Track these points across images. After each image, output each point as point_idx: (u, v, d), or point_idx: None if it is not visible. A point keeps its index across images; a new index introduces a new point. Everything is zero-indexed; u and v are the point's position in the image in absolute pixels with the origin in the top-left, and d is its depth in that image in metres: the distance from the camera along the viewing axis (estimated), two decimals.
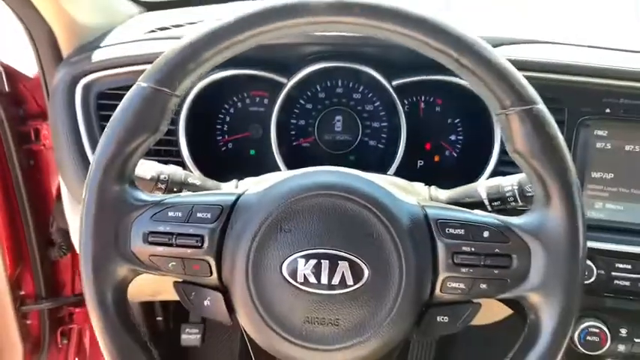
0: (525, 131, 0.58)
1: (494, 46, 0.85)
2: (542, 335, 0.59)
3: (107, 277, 0.61)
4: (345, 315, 0.59)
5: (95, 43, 1.02)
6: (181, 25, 1.07)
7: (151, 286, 1.20)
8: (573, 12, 1.25)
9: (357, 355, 0.60)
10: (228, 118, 1.07)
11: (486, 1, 1.34)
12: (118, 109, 0.60)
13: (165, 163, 0.78)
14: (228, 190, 0.76)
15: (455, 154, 1.06)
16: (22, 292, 1.32)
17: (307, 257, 0.59)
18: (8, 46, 1.24)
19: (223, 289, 0.63)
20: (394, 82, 0.96)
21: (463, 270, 0.60)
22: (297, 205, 0.61)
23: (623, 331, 0.91)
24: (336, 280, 0.59)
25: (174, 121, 0.95)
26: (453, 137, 1.06)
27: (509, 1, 1.34)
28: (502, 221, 0.62)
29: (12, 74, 1.18)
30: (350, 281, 0.59)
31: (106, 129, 0.60)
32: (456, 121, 1.05)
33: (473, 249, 0.60)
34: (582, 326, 0.90)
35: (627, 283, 0.89)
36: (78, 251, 1.15)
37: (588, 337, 0.90)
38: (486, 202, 0.74)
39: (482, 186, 0.75)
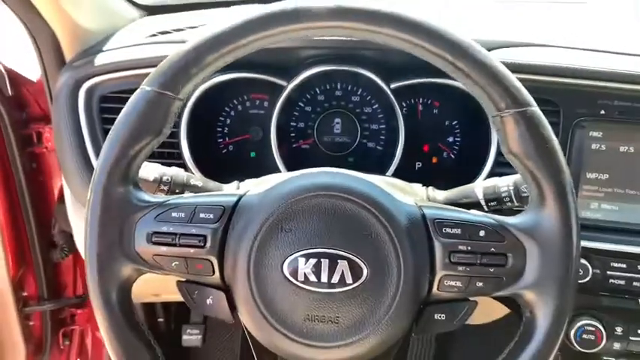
0: (520, 133, 0.60)
1: (490, 49, 0.88)
2: (537, 331, 0.61)
3: (112, 277, 0.62)
4: (345, 313, 0.61)
5: (97, 47, 1.03)
6: (182, 29, 1.08)
7: (153, 287, 1.21)
8: (573, 13, 1.26)
9: (356, 352, 0.62)
10: (228, 121, 1.09)
11: (485, 3, 1.35)
12: (123, 112, 0.62)
13: (168, 165, 0.79)
14: (230, 191, 0.77)
15: (452, 156, 1.08)
16: (25, 294, 1.34)
17: (307, 256, 0.60)
18: (11, 51, 1.25)
19: (225, 288, 0.64)
20: (392, 85, 0.98)
21: (460, 268, 0.62)
22: (297, 205, 0.62)
23: (619, 330, 0.92)
24: (335, 279, 0.60)
25: (176, 124, 0.97)
26: (450, 139, 1.07)
27: (508, 2, 1.36)
28: (498, 221, 0.63)
29: (15, 78, 1.20)
30: (349, 280, 0.60)
31: (110, 132, 0.62)
32: (454, 123, 1.07)
33: (469, 248, 0.62)
34: (578, 324, 0.92)
35: (622, 282, 0.91)
36: (82, 252, 1.17)
37: (584, 336, 0.91)
38: (483, 203, 0.75)
39: (479, 187, 0.76)
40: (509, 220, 0.63)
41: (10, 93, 1.18)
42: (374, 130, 1.07)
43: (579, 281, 0.89)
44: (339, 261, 0.60)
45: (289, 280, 0.61)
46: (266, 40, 0.60)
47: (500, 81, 0.60)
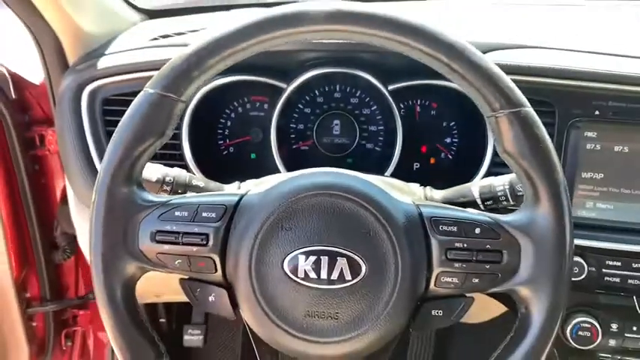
0: (514, 133, 0.61)
1: (485, 51, 0.89)
2: (532, 327, 0.62)
3: (116, 275, 0.63)
4: (344, 309, 0.62)
5: (100, 50, 1.05)
6: (183, 33, 1.09)
7: (155, 288, 1.22)
8: (572, 14, 1.28)
9: (355, 348, 0.63)
10: (229, 123, 1.10)
11: (482, 5, 1.36)
12: (126, 114, 0.63)
13: (170, 166, 0.80)
14: (231, 191, 0.78)
15: (450, 157, 1.09)
16: (28, 295, 1.35)
17: (307, 254, 0.62)
18: (14, 54, 1.27)
19: (227, 286, 0.65)
20: (390, 87, 0.99)
21: (456, 265, 0.63)
22: (297, 204, 0.63)
23: (614, 327, 0.94)
24: (335, 276, 0.62)
25: (178, 126, 0.98)
26: (448, 140, 1.09)
27: (506, 4, 1.37)
28: (493, 218, 0.64)
29: (18, 81, 1.21)
30: (348, 276, 0.62)
31: (114, 133, 0.63)
32: (451, 124, 1.08)
33: (465, 245, 0.63)
34: (574, 322, 0.93)
35: (617, 280, 0.92)
36: (86, 251, 1.18)
37: (580, 332, 0.93)
38: (479, 202, 0.77)
39: (475, 186, 0.78)
40: (505, 217, 0.64)
41: (13, 96, 1.19)
42: (372, 131, 1.08)
43: (575, 279, 0.91)
44: (338, 258, 0.62)
45: (290, 277, 0.62)
46: (266, 44, 0.61)
47: (494, 82, 0.61)
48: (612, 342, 0.94)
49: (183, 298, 0.69)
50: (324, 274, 0.62)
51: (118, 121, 0.64)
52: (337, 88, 1.07)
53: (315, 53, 0.99)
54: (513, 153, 0.62)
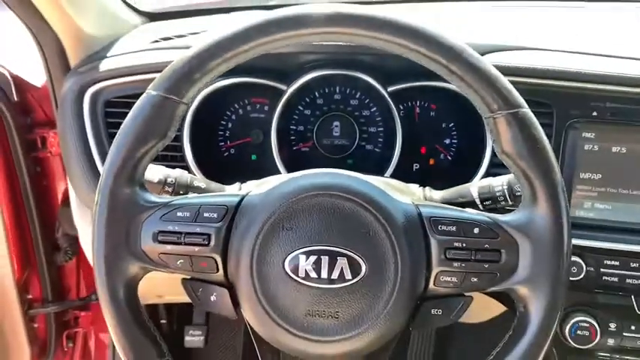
0: (512, 134, 0.62)
1: (483, 53, 0.90)
2: (530, 325, 0.63)
3: (119, 275, 0.64)
4: (344, 308, 0.63)
5: (101, 53, 1.06)
6: (184, 36, 1.10)
7: (157, 289, 1.23)
8: (571, 16, 1.29)
9: (355, 346, 0.64)
10: (230, 125, 1.11)
11: (482, 7, 1.37)
12: (129, 116, 0.64)
13: (171, 167, 0.81)
14: (233, 191, 0.79)
15: (449, 157, 1.10)
16: (30, 296, 1.36)
17: (308, 253, 0.62)
18: (15, 57, 1.27)
19: (229, 285, 0.66)
20: (389, 89, 1.00)
21: (455, 264, 0.64)
22: (298, 204, 0.64)
23: (613, 326, 0.94)
24: (335, 275, 0.62)
25: (179, 128, 0.99)
26: (447, 141, 1.09)
27: (506, 6, 1.38)
28: (491, 218, 0.65)
29: (20, 84, 1.22)
30: (348, 276, 0.62)
31: (117, 135, 0.64)
32: (450, 125, 1.09)
33: (464, 244, 0.64)
34: (573, 321, 0.93)
35: (615, 279, 0.93)
36: (88, 252, 1.19)
37: (579, 332, 0.93)
38: (478, 202, 0.77)
39: (474, 186, 0.78)
40: (503, 217, 0.65)
41: (15, 99, 1.20)
42: (372, 132, 1.09)
43: (574, 279, 0.92)
44: (338, 258, 0.62)
45: (290, 277, 0.63)
46: (267, 46, 0.62)
47: (492, 83, 0.62)
48: (611, 341, 0.94)
49: (185, 299, 0.70)
50: (324, 274, 0.62)
51: (119, 123, 0.65)
52: (337, 90, 1.08)
53: (315, 55, 1.00)
54: (511, 153, 0.63)
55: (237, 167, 1.11)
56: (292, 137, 1.09)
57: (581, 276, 0.92)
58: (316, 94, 1.08)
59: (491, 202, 0.77)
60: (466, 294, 0.66)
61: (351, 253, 0.63)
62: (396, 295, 0.63)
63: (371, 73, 0.99)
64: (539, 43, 1.00)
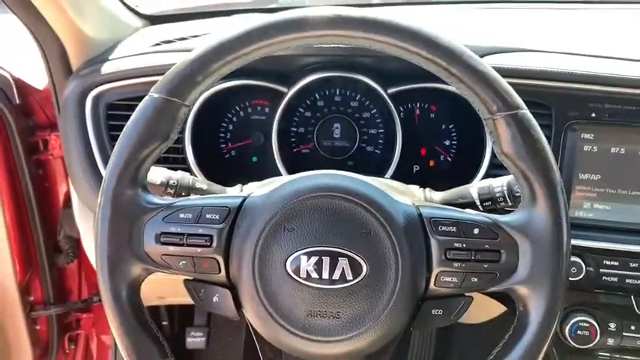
0: (511, 135, 0.62)
1: (482, 55, 0.91)
2: (530, 324, 0.63)
3: (122, 276, 0.64)
4: (346, 308, 0.63)
5: (103, 56, 1.06)
6: (185, 38, 1.11)
7: (159, 290, 1.24)
8: (572, 17, 1.30)
9: (356, 346, 0.64)
10: (231, 127, 1.11)
11: (481, 9, 1.38)
12: (132, 118, 0.64)
13: (173, 169, 0.82)
14: (234, 193, 0.79)
15: (449, 159, 1.10)
16: (32, 298, 1.36)
17: (309, 254, 0.63)
18: (17, 59, 1.28)
19: (231, 286, 0.66)
20: (389, 91, 1.00)
21: (455, 265, 0.64)
22: (299, 206, 0.64)
23: (612, 326, 0.94)
24: (336, 276, 0.63)
25: (181, 130, 0.99)
26: (447, 142, 1.10)
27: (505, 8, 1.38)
28: (491, 219, 0.65)
29: (22, 87, 1.22)
30: (349, 276, 0.63)
31: (120, 137, 0.64)
32: (450, 126, 1.09)
33: (464, 245, 0.64)
34: (573, 321, 0.94)
35: (615, 280, 0.93)
36: (90, 254, 1.19)
37: (579, 332, 0.94)
38: (478, 203, 0.78)
39: (474, 187, 0.79)
40: (503, 218, 0.65)
41: (17, 101, 1.21)
42: (372, 134, 1.09)
43: (573, 279, 0.92)
44: (339, 258, 0.63)
45: (292, 277, 0.63)
46: (268, 49, 0.63)
47: (491, 85, 0.62)
48: (610, 341, 0.94)
49: (186, 300, 0.70)
50: (325, 274, 0.63)
51: (121, 126, 0.65)
52: (337, 92, 1.09)
53: (315, 58, 1.01)
54: (511, 154, 0.63)
55: (239, 169, 1.11)
56: (293, 139, 1.10)
57: (581, 276, 0.93)
58: (317, 96, 1.08)
59: (491, 202, 0.78)
60: (466, 294, 0.67)
61: (352, 254, 0.63)
62: (397, 295, 0.63)
63: (371, 75, 1.00)
64: (537, 44, 1.01)
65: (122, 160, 0.63)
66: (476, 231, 0.64)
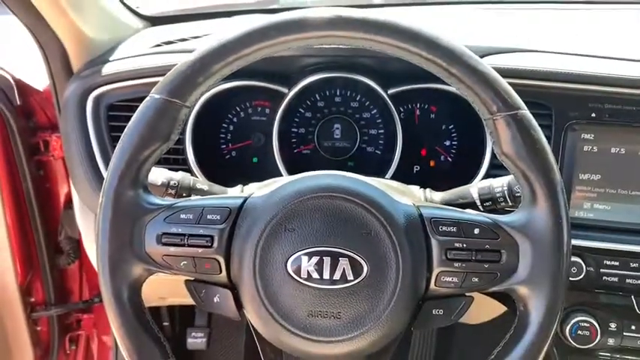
0: (511, 135, 0.63)
1: (482, 55, 0.91)
2: (531, 324, 0.63)
3: (123, 277, 0.65)
4: (346, 308, 0.63)
5: (104, 57, 1.06)
6: (186, 39, 1.11)
7: (160, 291, 1.24)
8: (572, 18, 1.30)
9: (357, 347, 0.64)
10: (231, 127, 1.11)
11: (481, 10, 1.38)
12: (133, 119, 0.64)
13: (174, 170, 0.82)
14: (235, 193, 0.80)
15: (449, 159, 1.10)
16: (33, 299, 1.36)
17: (310, 255, 0.63)
18: (18, 61, 1.28)
19: (232, 287, 0.67)
20: (390, 91, 1.01)
21: (456, 265, 0.64)
22: (300, 206, 0.64)
23: (613, 326, 0.95)
24: (337, 276, 0.63)
25: (182, 130, 0.99)
26: (447, 143, 1.10)
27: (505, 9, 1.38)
28: (492, 219, 0.66)
29: (23, 88, 1.23)
30: (350, 277, 0.63)
31: (121, 138, 0.64)
32: (450, 127, 1.09)
33: (465, 245, 0.64)
34: (573, 321, 0.94)
35: (615, 279, 0.93)
36: (91, 255, 1.19)
37: (579, 332, 0.94)
38: (478, 203, 0.78)
39: (474, 187, 0.79)
40: (503, 218, 0.66)
41: (18, 102, 1.21)
42: (373, 134, 1.10)
43: (574, 279, 0.92)
44: (340, 259, 0.63)
45: (293, 278, 0.63)
46: (269, 49, 0.63)
47: (491, 85, 0.62)
48: (611, 341, 0.94)
49: (187, 301, 0.70)
50: (326, 275, 0.63)
51: (122, 127, 0.65)
52: (338, 93, 1.09)
53: (315, 58, 1.01)
54: (511, 155, 0.63)
55: (239, 169, 1.11)
56: (293, 140, 1.10)
57: (581, 276, 0.93)
58: (317, 96, 1.09)
59: (491, 203, 0.78)
60: (467, 294, 0.67)
61: (353, 254, 0.63)
62: (398, 295, 0.63)
63: (371, 75, 1.00)
64: (537, 45, 1.01)
65: (123, 161, 0.64)
66: (476, 231, 0.65)
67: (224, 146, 1.12)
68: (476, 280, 0.65)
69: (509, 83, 0.64)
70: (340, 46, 0.95)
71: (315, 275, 0.63)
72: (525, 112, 0.63)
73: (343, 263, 0.63)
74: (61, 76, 1.07)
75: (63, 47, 1.04)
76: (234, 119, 1.11)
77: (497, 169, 0.96)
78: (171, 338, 1.62)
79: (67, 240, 1.37)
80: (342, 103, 1.09)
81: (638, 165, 0.93)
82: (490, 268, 0.64)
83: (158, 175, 0.79)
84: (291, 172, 1.00)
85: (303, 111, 1.09)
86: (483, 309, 1.11)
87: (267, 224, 0.64)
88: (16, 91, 1.21)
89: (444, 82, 0.65)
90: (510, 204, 0.77)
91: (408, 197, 0.71)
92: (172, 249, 0.65)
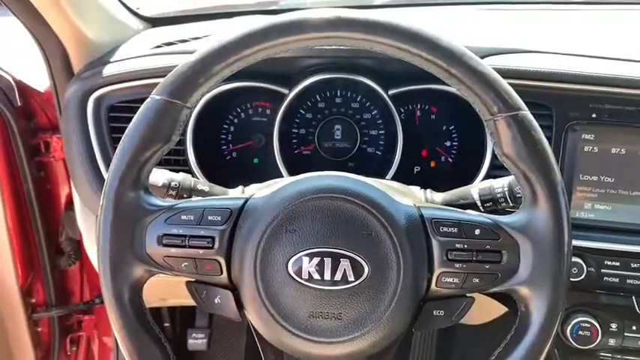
0: (512, 135, 0.63)
1: (483, 56, 0.91)
2: (532, 325, 0.63)
3: (124, 278, 0.65)
4: (347, 309, 0.63)
5: (105, 58, 1.07)
6: (186, 40, 1.11)
7: (160, 292, 1.24)
8: (573, 18, 1.30)
9: (358, 348, 0.64)
10: (232, 128, 1.11)
11: (481, 11, 1.38)
12: (134, 120, 0.64)
13: (175, 171, 0.82)
14: (236, 194, 0.80)
15: (450, 160, 1.10)
16: (33, 300, 1.36)
17: (311, 255, 0.63)
18: (18, 62, 1.28)
19: (233, 288, 0.67)
20: (390, 92, 1.01)
21: (457, 265, 0.64)
22: (301, 207, 0.64)
23: (614, 326, 0.94)
24: (338, 277, 0.63)
25: (182, 131, 0.99)
26: (448, 143, 1.10)
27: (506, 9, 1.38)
28: (492, 220, 0.66)
29: (23, 89, 1.23)
30: (351, 277, 0.63)
31: (122, 139, 0.64)
32: (451, 127, 1.09)
33: (465, 246, 0.64)
34: (574, 321, 0.94)
35: (616, 280, 0.93)
36: (92, 256, 1.19)
37: (580, 332, 0.94)
38: (479, 204, 0.78)
39: (475, 188, 0.79)
40: (504, 219, 0.66)
41: (18, 103, 1.21)
42: (373, 135, 1.10)
43: (575, 279, 0.92)
44: (341, 260, 0.63)
45: (294, 279, 0.63)
46: (270, 51, 0.63)
47: (492, 86, 0.62)
48: (612, 341, 0.94)
49: (188, 302, 0.70)
50: (327, 276, 0.63)
51: (123, 128, 0.65)
52: (338, 94, 1.09)
53: (316, 59, 1.01)
54: (511, 155, 0.63)
55: (240, 170, 1.11)
56: (294, 140, 1.10)
57: (582, 277, 0.93)
58: (318, 97, 1.09)
59: (492, 203, 0.78)
60: (468, 295, 0.67)
61: (354, 255, 0.63)
62: (399, 296, 0.63)
63: (372, 76, 1.00)
64: (538, 45, 1.01)
65: (124, 162, 0.64)
66: (477, 232, 0.65)
67: (225, 147, 1.12)
68: (477, 280, 0.65)
69: (510, 84, 0.64)
70: (341, 47, 0.95)
71: (316, 276, 0.63)
72: (526, 112, 0.63)
73: (344, 264, 0.63)
74: (62, 77, 1.07)
75: (63, 48, 1.04)
76: (235, 120, 1.11)
77: (497, 169, 0.96)
78: (172, 339, 1.62)
79: (67, 241, 1.38)
80: (342, 104, 1.09)
81: (638, 165, 0.93)
82: (491, 268, 0.64)
83: (159, 176, 0.79)
84: (291, 172, 1.00)
85: (303, 112, 1.09)
86: (484, 310, 1.11)
87: (268, 225, 0.64)
88: (16, 92, 1.21)
89: (444, 83, 0.65)
90: (511, 205, 0.77)
91: (409, 198, 0.71)
92: (173, 250, 0.65)
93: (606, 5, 1.36)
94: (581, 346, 0.94)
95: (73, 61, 1.06)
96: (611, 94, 0.92)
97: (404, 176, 0.96)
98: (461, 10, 1.40)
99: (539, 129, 0.63)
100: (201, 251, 0.65)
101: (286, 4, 1.44)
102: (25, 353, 1.36)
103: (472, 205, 0.78)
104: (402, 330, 0.67)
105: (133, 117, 0.65)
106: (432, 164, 1.10)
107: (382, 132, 1.09)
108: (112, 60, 1.05)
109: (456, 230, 0.65)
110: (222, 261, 0.65)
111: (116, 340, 0.66)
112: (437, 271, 0.65)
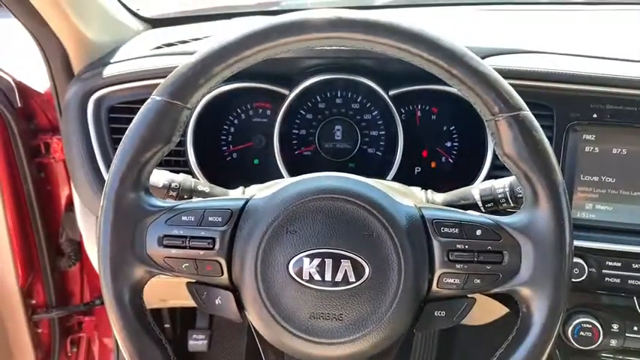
0: (513, 136, 0.62)
1: (483, 56, 0.91)
2: (533, 326, 0.63)
3: (124, 279, 0.64)
4: (348, 310, 0.63)
5: (105, 59, 1.06)
6: (186, 41, 1.11)
7: (161, 293, 1.24)
8: (573, 18, 1.30)
9: (359, 348, 0.64)
10: (232, 129, 1.11)
11: (481, 11, 1.38)
12: (134, 121, 0.64)
13: (175, 172, 0.82)
14: (236, 195, 0.80)
15: (451, 160, 1.10)
16: (34, 301, 1.36)
17: (312, 256, 0.63)
18: (19, 63, 1.28)
19: (233, 288, 0.66)
20: (391, 92, 1.00)
21: (458, 266, 0.64)
22: (301, 208, 0.64)
23: (615, 327, 0.94)
24: (339, 278, 0.63)
25: (183, 132, 0.99)
26: (448, 144, 1.10)
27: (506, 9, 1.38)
28: (494, 220, 0.65)
29: (24, 90, 1.23)
30: (352, 278, 0.63)
31: (122, 140, 0.64)
32: (451, 128, 1.09)
33: (466, 246, 0.64)
34: (575, 322, 0.94)
35: (617, 280, 0.93)
36: (92, 257, 1.19)
37: (581, 333, 0.93)
38: (480, 204, 0.78)
39: (476, 188, 0.79)
40: (505, 219, 0.65)
41: (19, 104, 1.21)
42: (374, 136, 1.09)
43: (576, 280, 0.92)
44: (342, 260, 0.63)
45: (295, 280, 0.63)
46: (270, 51, 0.63)
47: (493, 87, 0.62)
48: (613, 342, 0.94)
49: (189, 303, 0.70)
50: (328, 276, 0.63)
51: (123, 129, 0.65)
52: (339, 94, 1.09)
53: (316, 60, 1.01)
54: (512, 156, 0.63)
55: (240, 171, 1.11)
56: (294, 141, 1.10)
57: (584, 277, 0.93)
58: (318, 98, 1.09)
59: (493, 204, 0.78)
60: (469, 296, 0.67)
61: (355, 256, 0.63)
62: (400, 297, 0.63)
63: (372, 77, 1.00)
64: (539, 46, 1.01)
65: (124, 163, 0.63)
66: (478, 232, 0.64)
67: (225, 148, 1.12)
68: (478, 281, 0.64)
69: (511, 84, 0.64)
70: (341, 48, 0.95)
71: (317, 277, 0.63)
72: (527, 113, 0.63)
73: (345, 265, 0.63)
74: (62, 78, 1.07)
75: (64, 49, 1.04)
76: (235, 121, 1.11)
77: (498, 170, 0.96)
78: (173, 340, 1.62)
79: (68, 242, 1.38)
80: (343, 105, 1.09)
81: (639, 165, 0.93)
82: (492, 269, 0.64)
83: (159, 177, 0.79)
84: (292, 173, 1.00)
85: (304, 112, 1.09)
86: (485, 310, 1.11)
87: (269, 226, 0.64)
88: (17, 93, 1.21)
89: (445, 84, 0.65)
90: (512, 205, 0.77)
91: (410, 198, 0.71)
92: (174, 251, 0.65)
93: (607, 5, 1.36)
94: (583, 347, 0.94)
95: (73, 62, 1.06)
96: (612, 95, 0.92)
97: (405, 177, 0.96)
98: (461, 11, 1.40)
99: (540, 129, 0.63)
100: (201, 252, 0.65)
101: (287, 5, 1.44)
102: (26, 354, 1.36)
103: (473, 206, 0.78)
104: (403, 331, 0.66)
105: (133, 118, 0.65)
106: (433, 165, 1.10)
107: (383, 132, 1.09)
108: (112, 61, 1.05)
109: (457, 231, 0.65)
110: (223, 262, 0.65)
111: (116, 341, 0.66)
112: (438, 272, 0.65)
